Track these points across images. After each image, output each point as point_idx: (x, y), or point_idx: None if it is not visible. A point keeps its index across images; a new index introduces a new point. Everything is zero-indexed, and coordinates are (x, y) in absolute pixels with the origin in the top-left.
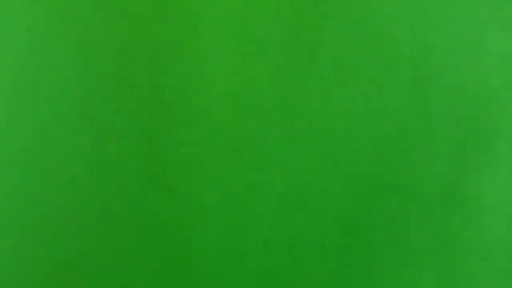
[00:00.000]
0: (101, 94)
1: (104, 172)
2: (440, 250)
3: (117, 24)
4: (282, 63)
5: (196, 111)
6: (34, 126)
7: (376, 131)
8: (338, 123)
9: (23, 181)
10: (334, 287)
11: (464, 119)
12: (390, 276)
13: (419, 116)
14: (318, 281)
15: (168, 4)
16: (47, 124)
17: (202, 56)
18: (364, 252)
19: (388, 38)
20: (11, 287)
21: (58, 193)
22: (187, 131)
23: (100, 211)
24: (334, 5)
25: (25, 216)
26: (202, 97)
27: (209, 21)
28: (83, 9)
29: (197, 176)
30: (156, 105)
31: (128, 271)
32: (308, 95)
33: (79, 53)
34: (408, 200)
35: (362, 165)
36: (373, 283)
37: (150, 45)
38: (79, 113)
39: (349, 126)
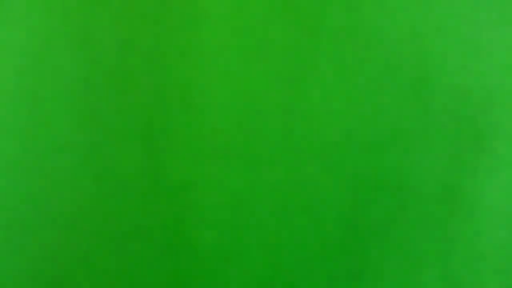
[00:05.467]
0: (101, 94)
1: (104, 172)
2: (439, 250)
3: (117, 24)
4: (282, 63)
5: (196, 111)
6: (34, 126)
7: (375, 131)
8: (337, 123)
9: (23, 181)
10: (334, 287)
11: (464, 119)
12: (390, 276)
13: (418, 116)
14: (318, 281)
15: (168, 4)
16: (47, 124)
17: (202, 56)
18: (364, 252)
19: (388, 38)
20: (11, 287)
21: (58, 192)
22: (187, 131)
23: (100, 211)
24: (334, 5)
25: (25, 216)
26: (202, 97)
27: (209, 21)
28: (83, 9)
29: (197, 176)
30: (156, 105)
31: (127, 271)
32: (308, 95)
33: (79, 53)
34: (407, 200)
35: (361, 165)
36: (373, 283)
37: (150, 45)
38: (79, 113)
39: (348, 126)
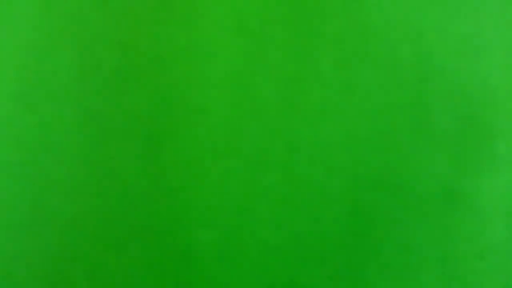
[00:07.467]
0: (101, 94)
1: (104, 172)
2: (439, 250)
3: (117, 24)
4: (282, 63)
5: (196, 111)
6: (34, 126)
7: (375, 131)
8: (338, 123)
9: (23, 181)
10: (334, 287)
11: (464, 119)
12: (390, 276)
13: (418, 116)
14: (318, 281)
15: (168, 4)
16: (48, 124)
17: (202, 56)
18: (364, 252)
19: (388, 38)
20: (11, 287)
21: (58, 193)
22: (187, 131)
23: (99, 211)
24: (335, 6)
25: (25, 216)
26: (202, 97)
27: (209, 21)
28: (83, 9)
29: (197, 176)
30: (156, 105)
31: (127, 270)
32: (308, 95)
33: (79, 53)
34: (407, 200)
35: (362, 165)
36: (373, 283)
37: (150, 45)
38: (79, 113)
39: (349, 126)
